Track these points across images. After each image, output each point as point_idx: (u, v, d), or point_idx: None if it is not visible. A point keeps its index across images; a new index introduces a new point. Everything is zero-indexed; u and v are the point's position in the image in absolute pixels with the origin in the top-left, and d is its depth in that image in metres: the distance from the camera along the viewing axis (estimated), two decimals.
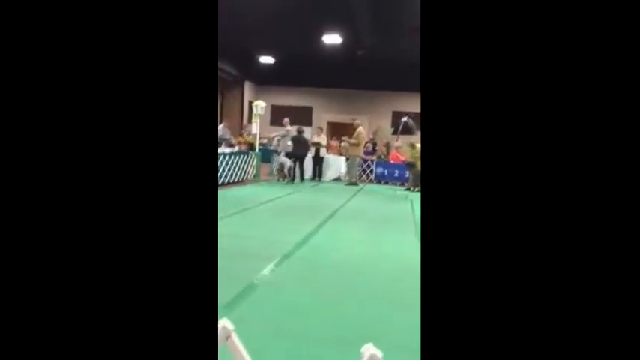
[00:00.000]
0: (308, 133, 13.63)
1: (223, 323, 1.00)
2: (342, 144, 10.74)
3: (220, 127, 10.16)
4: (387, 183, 10.30)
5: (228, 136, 9.45)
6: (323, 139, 10.21)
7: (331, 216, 5.28)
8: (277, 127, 12.37)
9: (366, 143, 10.44)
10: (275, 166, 10.10)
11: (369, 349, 0.93)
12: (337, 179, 10.17)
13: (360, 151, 9.85)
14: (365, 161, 10.37)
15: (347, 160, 10.07)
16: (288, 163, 8.97)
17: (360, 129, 9.66)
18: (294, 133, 9.15)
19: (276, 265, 3.01)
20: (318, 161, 10.09)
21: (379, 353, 0.92)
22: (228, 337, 1.00)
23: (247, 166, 8.65)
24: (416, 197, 7.44)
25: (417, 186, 8.66)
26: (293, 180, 8.99)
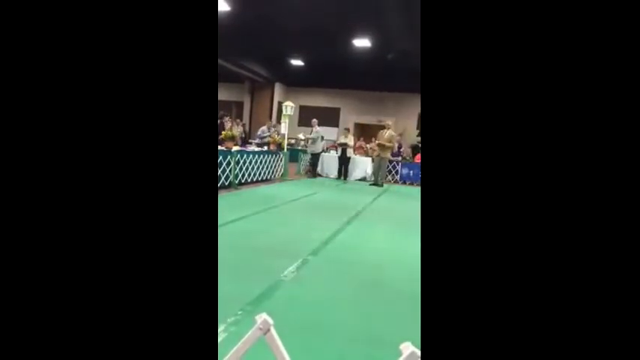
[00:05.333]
0: (334, 133, 13.83)
1: (264, 317, 1.04)
2: (370, 145, 10.84)
3: (264, 127, 10.49)
4: (412, 184, 10.30)
5: (267, 136, 9.71)
6: (350, 140, 10.33)
7: (357, 215, 5.33)
8: (305, 128, 12.62)
9: None
10: (303, 165, 10.34)
11: (407, 347, 0.93)
12: (362, 179, 10.25)
13: (389, 153, 9.92)
14: (390, 162, 10.42)
15: (372, 160, 10.16)
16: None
17: (392, 131, 9.72)
18: (323, 134, 9.26)
19: (303, 262, 3.04)
20: (344, 161, 10.24)
21: (418, 351, 0.91)
22: (267, 330, 1.03)
23: (276, 165, 8.86)
24: None
25: None
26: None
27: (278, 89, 15.13)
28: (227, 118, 8.78)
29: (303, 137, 11.56)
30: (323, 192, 7.61)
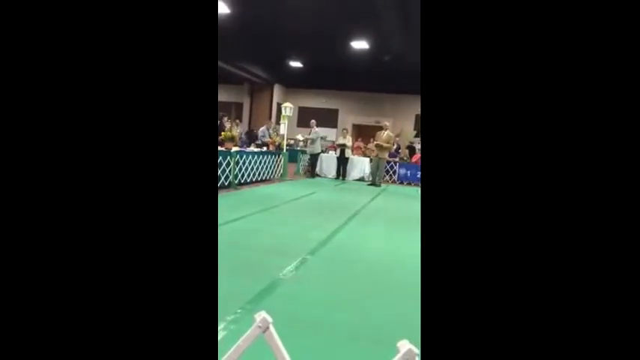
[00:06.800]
0: (333, 134, 13.87)
1: (263, 315, 1.04)
2: (369, 145, 10.90)
3: (263, 128, 10.54)
4: (409, 184, 10.37)
5: (267, 137, 9.75)
6: (348, 141, 10.37)
7: (355, 214, 5.34)
8: (304, 129, 12.68)
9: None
10: (302, 165, 10.37)
11: (404, 345, 0.92)
12: (360, 179, 10.31)
13: (387, 154, 9.98)
14: (388, 162, 10.47)
15: (370, 161, 10.20)
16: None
17: (389, 132, 9.76)
18: (322, 134, 9.33)
19: (302, 261, 3.05)
20: (343, 161, 10.27)
21: (415, 349, 0.91)
22: (266, 328, 1.03)
23: (275, 165, 8.89)
24: None
25: None
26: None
27: (277, 90, 15.17)
28: (226, 119, 8.86)
29: (301, 138, 11.62)
30: (322, 192, 7.62)
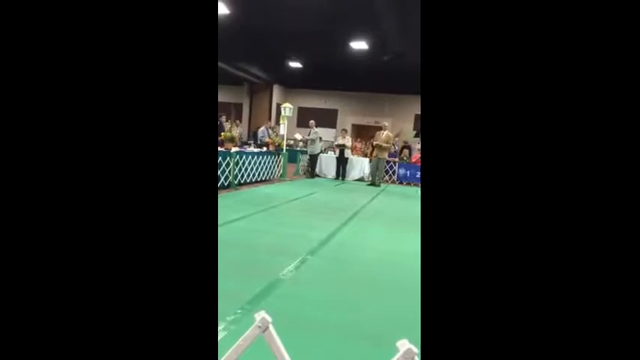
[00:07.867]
0: (332, 134, 13.89)
1: (262, 315, 1.04)
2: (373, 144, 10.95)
3: (262, 128, 10.55)
4: (409, 184, 10.38)
5: (266, 137, 9.77)
6: (348, 141, 10.39)
7: (355, 214, 5.35)
8: (303, 129, 12.70)
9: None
10: (301, 165, 10.38)
11: (404, 344, 0.93)
12: (360, 179, 10.32)
13: (387, 154, 10.01)
14: (387, 162, 10.50)
15: (370, 161, 10.22)
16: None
17: (389, 132, 9.77)
18: (321, 135, 9.34)
19: (302, 261, 3.08)
20: (342, 162, 10.28)
21: (415, 349, 0.91)
22: (266, 328, 1.03)
23: (275, 166, 8.91)
24: None
25: None
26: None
27: (276, 91, 15.21)
28: (224, 118, 8.89)
29: (299, 138, 11.64)
30: (321, 192, 7.62)
